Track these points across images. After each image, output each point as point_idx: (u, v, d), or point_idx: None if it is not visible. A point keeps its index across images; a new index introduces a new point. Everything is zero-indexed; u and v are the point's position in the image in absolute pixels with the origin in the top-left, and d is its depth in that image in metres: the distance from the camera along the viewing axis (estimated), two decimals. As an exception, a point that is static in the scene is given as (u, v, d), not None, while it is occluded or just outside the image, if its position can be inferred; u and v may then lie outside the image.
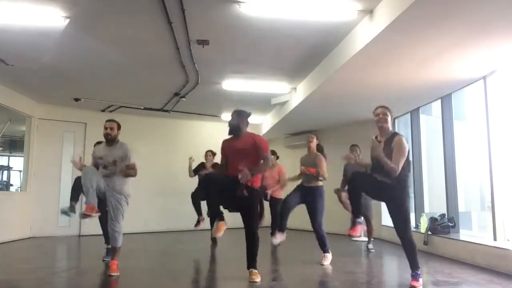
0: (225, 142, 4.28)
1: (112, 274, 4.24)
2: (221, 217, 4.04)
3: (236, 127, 4.16)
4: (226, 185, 3.98)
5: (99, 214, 4.28)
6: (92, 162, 4.54)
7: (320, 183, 5.11)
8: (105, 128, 4.45)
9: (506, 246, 4.62)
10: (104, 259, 5.10)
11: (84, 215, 4.14)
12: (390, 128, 3.86)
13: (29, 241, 7.34)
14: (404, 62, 4.85)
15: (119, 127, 4.53)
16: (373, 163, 3.85)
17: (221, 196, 4.04)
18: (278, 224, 5.22)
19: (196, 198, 6.65)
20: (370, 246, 6.21)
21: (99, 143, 4.93)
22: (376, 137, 3.89)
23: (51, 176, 8.11)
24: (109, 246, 5.07)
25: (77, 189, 4.91)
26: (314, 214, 5.03)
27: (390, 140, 3.75)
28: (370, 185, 3.85)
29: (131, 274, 4.47)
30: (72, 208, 4.88)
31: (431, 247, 5.90)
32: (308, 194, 5.06)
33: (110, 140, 4.44)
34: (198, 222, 6.74)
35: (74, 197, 5.01)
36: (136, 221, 8.37)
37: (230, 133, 4.19)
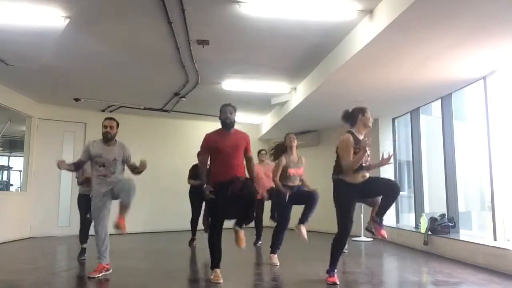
0: (214, 137, 4.07)
1: (122, 230, 4.15)
2: (218, 264, 3.99)
3: (233, 123, 4.11)
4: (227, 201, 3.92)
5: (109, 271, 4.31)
6: (82, 157, 4.38)
7: None
8: (105, 127, 4.36)
9: (506, 246, 4.62)
10: (83, 258, 5.15)
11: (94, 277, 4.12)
12: None
13: (29, 241, 7.34)
14: (404, 62, 4.85)
15: (118, 125, 4.45)
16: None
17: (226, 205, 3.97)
18: (274, 243, 5.02)
19: (194, 220, 6.82)
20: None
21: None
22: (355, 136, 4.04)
23: (51, 176, 8.08)
24: (84, 247, 5.24)
25: (85, 231, 5.21)
26: (310, 212, 4.94)
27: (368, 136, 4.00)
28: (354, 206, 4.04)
29: (131, 274, 4.47)
30: (83, 252, 5.19)
31: (431, 247, 5.90)
32: (298, 193, 5.00)
33: (110, 139, 4.37)
34: (192, 241, 6.80)
35: (83, 239, 5.25)
36: (136, 221, 8.35)
37: (227, 128, 4.08)
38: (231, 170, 3.96)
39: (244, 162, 4.16)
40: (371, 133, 4.35)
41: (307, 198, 4.91)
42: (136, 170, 4.38)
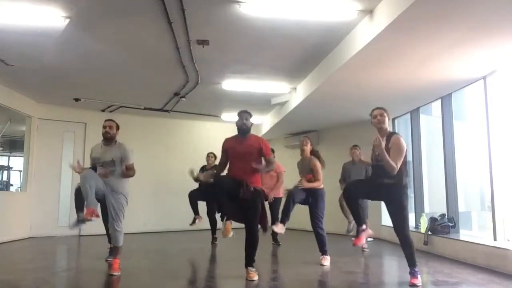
0: (230, 142, 4.31)
1: (114, 273, 4.25)
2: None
3: (249, 129, 4.25)
4: (231, 188, 4.00)
5: (99, 217, 4.28)
6: (91, 163, 4.56)
7: (322, 185, 5.10)
8: (104, 127, 4.53)
9: (506, 246, 4.62)
10: (107, 259, 5.09)
11: (84, 220, 4.15)
12: (388, 129, 4.01)
13: (29, 241, 7.34)
14: (404, 62, 4.85)
15: (117, 127, 4.61)
16: (373, 162, 3.95)
17: (226, 200, 4.06)
18: (282, 214, 5.08)
19: (193, 197, 6.75)
20: (365, 245, 6.14)
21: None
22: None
23: (51, 176, 8.11)
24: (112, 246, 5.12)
25: (79, 199, 4.90)
26: (316, 215, 5.04)
27: (388, 139, 3.87)
28: (367, 189, 4.05)
29: (131, 274, 4.47)
30: (80, 219, 4.89)
31: (431, 247, 5.90)
32: (311, 195, 5.06)
33: (109, 139, 4.50)
34: (194, 221, 6.80)
35: (79, 207, 5.03)
36: (136, 221, 8.38)
37: (243, 134, 4.22)
38: (241, 173, 4.08)
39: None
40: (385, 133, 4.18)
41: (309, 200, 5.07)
42: (127, 172, 4.46)
